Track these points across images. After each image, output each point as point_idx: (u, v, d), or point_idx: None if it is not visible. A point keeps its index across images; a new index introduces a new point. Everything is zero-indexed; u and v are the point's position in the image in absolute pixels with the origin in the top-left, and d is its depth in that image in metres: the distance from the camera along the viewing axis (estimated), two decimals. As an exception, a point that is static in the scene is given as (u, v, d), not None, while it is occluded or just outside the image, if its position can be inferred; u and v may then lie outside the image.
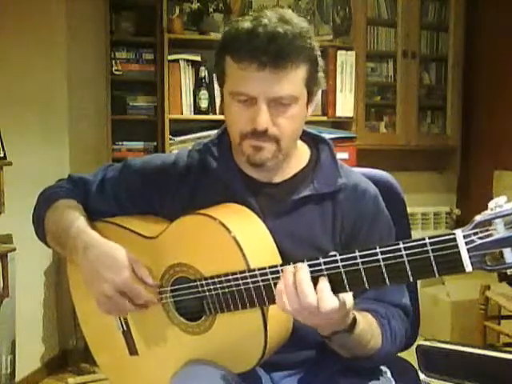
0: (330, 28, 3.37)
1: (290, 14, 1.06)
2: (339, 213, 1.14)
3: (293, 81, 1.04)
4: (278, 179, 1.16)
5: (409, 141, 3.47)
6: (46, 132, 2.86)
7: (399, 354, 1.27)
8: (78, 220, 1.15)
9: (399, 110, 3.47)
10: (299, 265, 0.92)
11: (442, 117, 3.61)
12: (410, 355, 1.41)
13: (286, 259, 1.04)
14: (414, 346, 1.87)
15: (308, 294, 0.89)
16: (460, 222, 3.57)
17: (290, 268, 0.92)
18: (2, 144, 2.42)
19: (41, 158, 2.77)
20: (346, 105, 3.19)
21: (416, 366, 1.55)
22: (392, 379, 1.16)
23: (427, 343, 1.98)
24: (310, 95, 1.10)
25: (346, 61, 3.17)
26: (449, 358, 1.94)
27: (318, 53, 1.09)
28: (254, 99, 1.04)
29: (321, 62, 1.10)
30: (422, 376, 1.92)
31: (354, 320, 0.97)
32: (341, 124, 3.27)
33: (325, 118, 3.18)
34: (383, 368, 1.17)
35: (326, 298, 0.88)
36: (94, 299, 1.10)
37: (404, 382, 1.22)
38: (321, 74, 1.11)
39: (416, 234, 3.43)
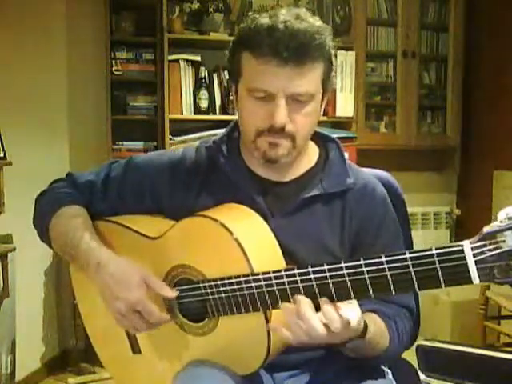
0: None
1: (305, 12, 1.06)
2: (348, 212, 1.14)
3: (311, 78, 1.04)
4: (286, 178, 1.16)
5: (409, 141, 3.47)
6: (46, 132, 2.86)
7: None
8: (86, 234, 1.12)
9: (399, 110, 3.46)
10: (299, 298, 0.90)
11: (442, 117, 3.61)
12: (410, 355, 1.41)
13: (293, 258, 1.04)
14: (414, 346, 1.87)
15: (315, 326, 0.88)
16: (460, 222, 3.56)
17: (289, 305, 0.91)
18: (1, 144, 2.41)
19: (41, 157, 2.77)
20: (346, 105, 3.19)
21: (416, 366, 1.55)
22: (393, 380, 1.16)
23: (427, 343, 1.98)
24: (324, 94, 1.10)
25: (345, 61, 3.17)
26: (449, 358, 1.94)
27: (333, 52, 1.08)
28: (271, 95, 1.03)
29: (334, 61, 1.09)
30: (422, 376, 1.92)
31: (365, 326, 0.97)
32: (341, 124, 3.27)
33: (325, 118, 3.18)
34: (385, 369, 1.17)
35: (333, 320, 0.89)
36: (97, 296, 1.10)
37: (404, 382, 1.22)
38: (333, 74, 1.10)
39: (416, 234, 3.43)
